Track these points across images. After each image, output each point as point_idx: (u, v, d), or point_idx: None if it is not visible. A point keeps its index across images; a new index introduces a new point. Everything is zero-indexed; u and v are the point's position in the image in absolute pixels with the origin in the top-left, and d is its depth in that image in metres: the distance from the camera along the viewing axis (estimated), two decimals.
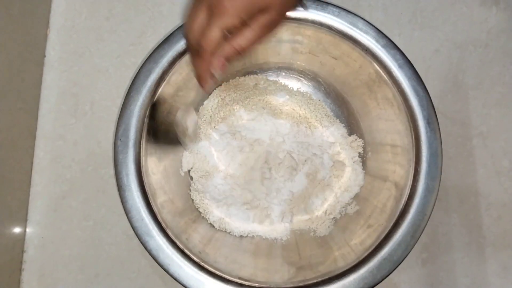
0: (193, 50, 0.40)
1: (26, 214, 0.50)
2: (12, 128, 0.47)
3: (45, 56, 0.52)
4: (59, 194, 0.50)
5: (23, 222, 0.49)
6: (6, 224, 0.47)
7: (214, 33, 0.37)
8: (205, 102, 0.51)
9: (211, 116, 0.50)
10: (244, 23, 0.37)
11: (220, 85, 0.51)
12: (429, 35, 0.53)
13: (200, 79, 0.40)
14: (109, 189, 0.50)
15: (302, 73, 0.52)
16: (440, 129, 0.43)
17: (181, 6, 0.53)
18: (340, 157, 0.50)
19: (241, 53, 0.39)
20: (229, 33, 0.38)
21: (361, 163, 0.50)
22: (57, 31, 0.53)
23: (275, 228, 0.49)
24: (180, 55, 0.44)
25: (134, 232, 0.41)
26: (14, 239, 0.48)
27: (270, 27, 0.39)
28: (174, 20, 0.53)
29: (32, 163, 0.50)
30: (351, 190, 0.49)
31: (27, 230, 0.49)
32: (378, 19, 0.53)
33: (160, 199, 0.44)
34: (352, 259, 0.42)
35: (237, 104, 0.51)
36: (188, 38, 0.40)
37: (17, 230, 0.48)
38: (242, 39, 0.38)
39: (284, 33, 0.46)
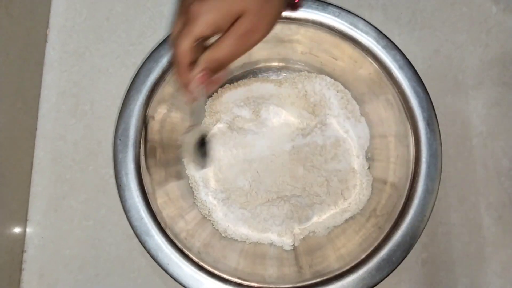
0: (173, 62, 0.37)
1: (26, 214, 0.50)
2: (12, 128, 0.47)
3: (45, 56, 0.52)
4: (59, 194, 0.50)
5: (23, 222, 0.49)
6: (6, 224, 0.47)
7: (183, 44, 0.34)
8: (209, 100, 0.51)
9: (213, 114, 0.50)
10: (223, 33, 0.34)
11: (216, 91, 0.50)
12: (429, 35, 0.53)
13: (181, 91, 0.37)
14: (109, 189, 0.50)
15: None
16: (440, 129, 0.43)
17: None
18: (354, 164, 0.49)
19: (218, 66, 0.35)
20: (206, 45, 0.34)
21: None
22: (57, 31, 0.53)
23: (274, 237, 0.48)
24: None
25: (133, 231, 0.41)
26: (14, 239, 0.48)
27: (248, 36, 0.34)
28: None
29: (32, 163, 0.50)
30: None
31: (27, 230, 0.49)
32: (378, 19, 0.53)
33: (159, 199, 0.44)
34: (351, 260, 0.42)
35: (240, 103, 0.51)
36: (170, 49, 0.37)
37: (17, 230, 0.48)
38: (216, 51, 0.34)
39: (285, 33, 0.46)
